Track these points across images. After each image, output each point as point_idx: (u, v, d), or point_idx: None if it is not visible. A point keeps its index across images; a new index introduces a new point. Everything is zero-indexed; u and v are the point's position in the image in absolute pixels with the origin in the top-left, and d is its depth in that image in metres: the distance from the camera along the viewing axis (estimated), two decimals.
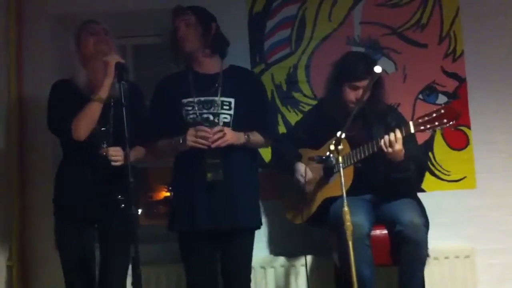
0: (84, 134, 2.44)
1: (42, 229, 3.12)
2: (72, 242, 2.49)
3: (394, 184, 2.70)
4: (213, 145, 2.56)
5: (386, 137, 2.58)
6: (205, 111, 2.66)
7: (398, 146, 2.56)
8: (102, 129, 2.49)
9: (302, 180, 2.80)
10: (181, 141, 2.61)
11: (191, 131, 2.59)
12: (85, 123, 2.44)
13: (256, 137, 2.73)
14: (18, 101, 3.27)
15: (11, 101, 3.26)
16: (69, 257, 2.51)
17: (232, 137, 2.61)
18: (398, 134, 2.58)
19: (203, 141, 2.57)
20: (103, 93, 2.44)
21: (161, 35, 3.39)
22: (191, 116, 2.66)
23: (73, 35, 2.59)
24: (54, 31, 3.34)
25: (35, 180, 3.22)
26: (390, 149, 2.57)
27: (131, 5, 3.32)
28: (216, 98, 2.67)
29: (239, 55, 3.14)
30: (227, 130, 2.61)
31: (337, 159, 2.40)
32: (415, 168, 2.72)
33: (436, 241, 2.78)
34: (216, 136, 2.57)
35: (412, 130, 2.59)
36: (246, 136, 2.67)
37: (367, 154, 2.66)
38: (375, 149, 2.63)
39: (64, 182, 2.56)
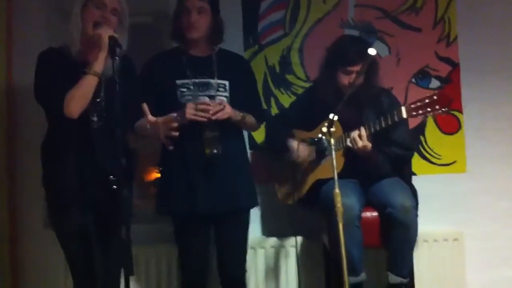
0: (78, 111, 2.26)
1: (33, 225, 3.10)
2: (72, 224, 2.35)
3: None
4: (214, 117, 2.55)
5: (352, 134, 2.63)
6: (200, 93, 2.65)
7: (362, 143, 2.61)
8: (96, 99, 2.33)
9: (294, 155, 2.80)
10: (178, 117, 2.56)
11: (190, 105, 2.57)
12: (79, 99, 2.26)
13: (249, 118, 2.74)
14: (6, 89, 3.16)
15: (0, 88, 3.14)
16: (70, 237, 2.38)
17: (231, 111, 2.61)
18: (363, 132, 2.62)
19: (204, 114, 2.56)
20: (98, 67, 2.28)
21: (152, 14, 3.36)
22: (187, 97, 2.65)
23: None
24: (47, 14, 3.23)
25: (25, 173, 3.12)
26: (355, 146, 2.62)
27: None
28: (212, 81, 2.66)
29: (232, 36, 3.09)
30: (226, 103, 2.61)
31: (329, 142, 2.40)
32: (387, 161, 2.77)
33: (425, 225, 2.80)
34: (216, 108, 2.57)
35: (404, 115, 2.60)
36: (241, 114, 2.67)
37: (343, 145, 2.70)
38: (349, 143, 2.67)
39: (56, 161, 2.38)
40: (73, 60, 2.34)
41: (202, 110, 2.55)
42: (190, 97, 2.64)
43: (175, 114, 2.55)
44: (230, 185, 2.62)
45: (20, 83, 3.15)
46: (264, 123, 2.98)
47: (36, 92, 2.35)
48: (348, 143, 2.66)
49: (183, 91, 2.66)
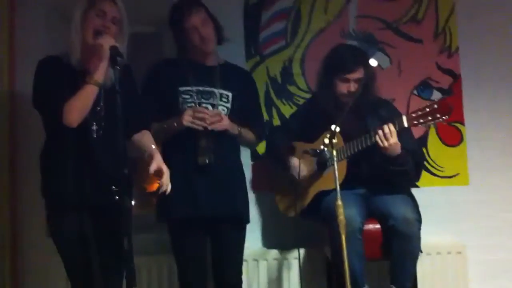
0: (77, 120, 2.23)
1: (35, 230, 3.07)
2: (70, 231, 2.33)
3: (391, 177, 2.69)
4: (210, 127, 2.56)
5: (380, 131, 2.57)
6: (203, 100, 2.66)
7: (393, 139, 2.56)
8: (96, 108, 2.29)
9: (295, 175, 2.79)
10: (175, 123, 2.59)
11: (188, 111, 2.58)
12: (79, 109, 2.23)
13: (247, 133, 2.75)
14: (9, 96, 3.15)
15: (2, 94, 3.13)
16: (69, 245, 2.35)
17: (228, 123, 2.62)
18: (392, 127, 2.57)
19: (200, 122, 2.56)
20: (99, 76, 2.25)
21: (155, 23, 3.36)
22: (189, 104, 2.65)
23: (81, 5, 2.33)
24: (50, 20, 3.21)
25: (27, 178, 3.09)
26: (386, 143, 2.57)
27: None
28: (216, 90, 2.67)
29: (234, 46, 3.11)
30: (224, 116, 2.62)
31: (331, 153, 2.39)
32: (413, 162, 2.72)
33: (428, 237, 2.78)
34: (213, 119, 2.57)
35: (406, 124, 2.60)
36: (238, 129, 2.68)
37: (360, 148, 2.66)
38: (369, 143, 2.63)
39: (55, 170, 2.34)
40: (73, 69, 2.32)
41: (200, 118, 2.55)
42: (193, 104, 2.64)
43: (174, 121, 2.58)
44: (227, 192, 2.62)
45: (22, 89, 3.12)
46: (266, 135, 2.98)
47: (34, 99, 2.33)
48: (377, 140, 2.57)
49: (186, 98, 2.66)
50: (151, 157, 2.32)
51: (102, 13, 2.33)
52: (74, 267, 2.37)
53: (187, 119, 2.57)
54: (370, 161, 2.72)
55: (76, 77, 2.29)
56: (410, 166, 2.70)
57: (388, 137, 2.56)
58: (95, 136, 2.32)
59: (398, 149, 2.59)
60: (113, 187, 2.17)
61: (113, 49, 2.22)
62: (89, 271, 2.34)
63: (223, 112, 2.67)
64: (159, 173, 2.30)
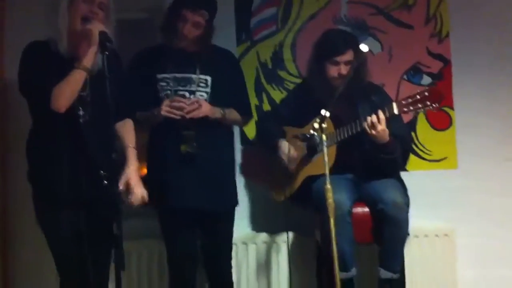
0: (65, 105, 2.22)
1: (26, 226, 3.06)
2: (60, 220, 2.31)
3: (380, 164, 2.71)
4: (188, 116, 2.56)
5: (369, 118, 2.59)
6: (180, 88, 2.66)
7: (381, 127, 2.57)
8: (82, 93, 2.28)
9: (285, 158, 2.80)
10: (156, 113, 2.60)
11: (166, 102, 2.60)
12: (67, 93, 2.22)
13: (232, 114, 2.74)
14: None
15: None
16: (60, 239, 2.34)
17: (208, 109, 2.61)
18: (381, 115, 2.58)
19: (178, 112, 2.57)
20: (88, 61, 2.24)
21: (146, 10, 3.35)
22: (166, 92, 2.66)
23: None
24: (40, 7, 3.15)
25: (17, 173, 2.96)
26: (373, 131, 2.58)
27: None
28: (194, 76, 2.66)
29: (224, 31, 3.11)
30: (203, 102, 2.62)
31: (321, 138, 2.40)
32: (400, 149, 2.74)
33: (416, 220, 2.81)
34: (191, 107, 2.57)
35: (396, 111, 2.60)
36: (221, 111, 2.67)
37: (350, 133, 2.67)
38: (359, 129, 2.64)
39: (43, 156, 2.34)
40: (60, 55, 2.30)
41: (177, 108, 2.56)
42: (169, 92, 2.65)
43: (154, 111, 2.59)
44: (213, 183, 2.63)
45: (12, 77, 3.05)
46: (256, 120, 2.98)
47: (20, 85, 2.32)
48: (365, 127, 2.59)
49: (163, 85, 2.66)
50: (126, 161, 2.36)
51: None
52: (63, 253, 2.36)
53: (164, 109, 2.58)
54: (359, 148, 2.73)
55: (63, 62, 2.28)
56: (398, 154, 2.71)
57: (376, 125, 2.57)
58: (81, 121, 2.31)
59: (386, 136, 2.61)
60: (102, 172, 2.20)
61: (103, 34, 2.21)
62: (79, 257, 2.33)
63: (201, 97, 2.66)
64: (128, 188, 2.32)
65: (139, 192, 2.37)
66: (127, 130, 2.47)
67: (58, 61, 2.29)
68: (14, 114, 3.11)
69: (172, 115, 2.57)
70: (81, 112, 2.31)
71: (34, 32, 2.99)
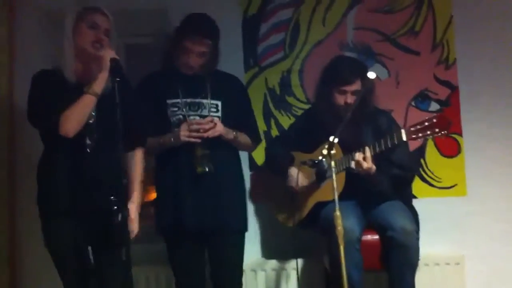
0: (74, 130, 2.23)
1: (33, 231, 3.05)
2: (64, 240, 2.32)
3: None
4: (205, 135, 2.57)
5: (356, 155, 2.60)
6: (191, 112, 2.66)
7: (367, 165, 2.59)
8: (90, 121, 2.30)
9: (294, 185, 2.80)
10: (172, 139, 2.60)
11: (184, 126, 2.60)
12: (77, 118, 2.24)
13: (243, 137, 2.75)
14: (8, 101, 3.16)
15: (1, 100, 3.14)
16: (64, 256, 2.35)
17: (222, 129, 2.63)
18: (367, 153, 2.60)
19: (197, 134, 2.57)
20: (98, 87, 2.26)
21: (152, 35, 3.37)
22: (178, 116, 2.66)
23: (71, 19, 2.34)
24: (47, 26, 3.24)
25: (25, 186, 3.06)
26: (359, 168, 2.60)
27: (124, 3, 3.19)
28: (205, 101, 2.68)
29: (232, 58, 3.14)
30: (217, 121, 2.63)
31: (329, 164, 2.40)
32: (388, 182, 2.73)
33: (426, 248, 2.79)
34: (208, 126, 2.58)
35: (404, 138, 2.61)
36: (234, 133, 2.68)
37: (346, 166, 2.68)
38: (348, 165, 2.65)
39: (51, 181, 2.34)
40: (67, 82, 2.32)
41: (195, 130, 2.57)
42: (181, 117, 2.66)
43: (170, 137, 2.59)
44: (221, 204, 2.62)
45: (22, 99, 3.10)
46: (264, 146, 2.98)
47: (29, 114, 2.33)
48: (352, 166, 2.64)
49: (174, 110, 2.67)
50: (130, 195, 2.38)
51: (96, 25, 2.34)
52: (67, 277, 2.35)
53: (183, 134, 2.58)
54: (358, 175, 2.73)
55: (70, 89, 2.30)
56: (383, 187, 2.72)
57: (362, 163, 2.59)
58: (88, 150, 2.31)
59: (371, 172, 2.62)
60: (112, 197, 2.19)
61: (114, 61, 2.24)
62: (83, 281, 2.34)
63: None
64: None
65: (134, 228, 2.38)
66: (136, 162, 2.48)
67: (65, 88, 2.30)
68: (22, 130, 3.12)
69: (192, 139, 2.58)
70: (88, 142, 2.32)
71: (44, 50, 3.14)
